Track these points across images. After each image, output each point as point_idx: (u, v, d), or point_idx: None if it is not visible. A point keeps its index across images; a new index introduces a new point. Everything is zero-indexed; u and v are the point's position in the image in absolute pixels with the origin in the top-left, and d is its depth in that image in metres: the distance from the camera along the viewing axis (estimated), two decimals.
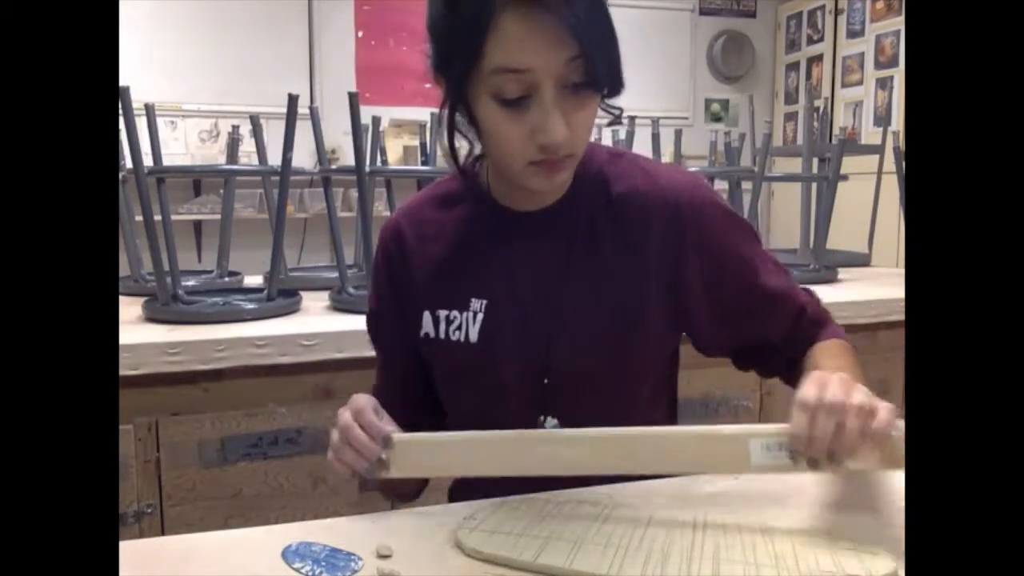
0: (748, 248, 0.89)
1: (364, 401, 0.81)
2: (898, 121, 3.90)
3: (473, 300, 0.88)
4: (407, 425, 0.93)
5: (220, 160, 3.71)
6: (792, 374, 0.90)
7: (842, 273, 2.24)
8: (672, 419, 1.02)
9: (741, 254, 0.89)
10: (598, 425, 0.87)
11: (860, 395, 0.69)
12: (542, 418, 0.88)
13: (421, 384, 0.96)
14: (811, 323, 0.93)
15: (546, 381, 0.87)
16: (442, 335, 0.89)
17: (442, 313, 0.89)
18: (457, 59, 0.74)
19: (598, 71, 0.73)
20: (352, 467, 0.79)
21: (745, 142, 2.57)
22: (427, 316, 0.90)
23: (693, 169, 2.22)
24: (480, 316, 0.87)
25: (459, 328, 0.88)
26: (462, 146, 0.84)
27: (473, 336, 0.87)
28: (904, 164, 2.43)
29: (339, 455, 0.79)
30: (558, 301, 0.86)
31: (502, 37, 0.71)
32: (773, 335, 0.92)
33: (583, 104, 0.76)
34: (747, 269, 0.89)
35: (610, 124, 0.86)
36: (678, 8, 4.96)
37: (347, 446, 0.79)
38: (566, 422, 0.87)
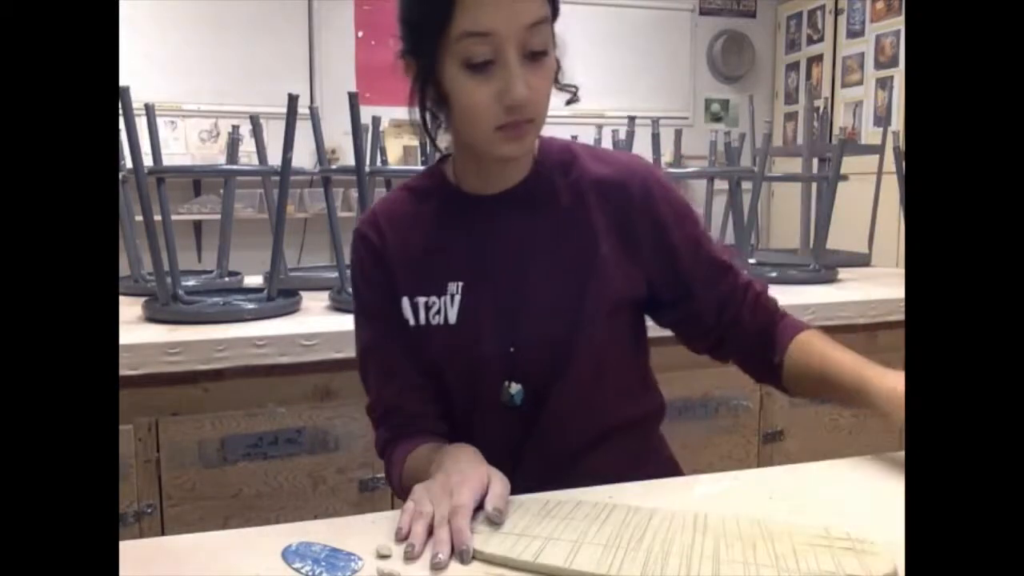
0: (694, 226, 0.95)
1: (467, 499, 0.73)
2: (898, 121, 3.90)
3: (449, 284, 0.92)
4: (429, 416, 0.95)
5: (220, 160, 3.70)
6: (767, 362, 0.95)
7: (842, 273, 2.24)
8: (653, 411, 1.02)
9: (687, 224, 0.94)
10: (563, 393, 0.91)
11: None
12: (507, 383, 0.91)
13: (423, 373, 0.96)
14: (760, 300, 0.97)
15: (512, 349, 0.91)
16: (422, 321, 0.93)
17: (420, 300, 0.93)
18: (428, 31, 0.81)
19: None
20: (414, 542, 0.71)
21: (745, 142, 2.57)
22: (406, 303, 0.93)
23: (693, 169, 2.22)
24: (457, 298, 0.91)
25: (439, 312, 0.92)
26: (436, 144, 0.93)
27: (452, 318, 0.91)
28: (904, 164, 2.43)
29: (413, 523, 0.72)
30: (524, 273, 0.91)
31: (470, 3, 0.79)
32: (725, 305, 0.95)
33: (541, 70, 0.83)
34: (693, 237, 0.94)
35: (568, 103, 0.91)
36: (678, 8, 4.96)
37: (423, 522, 0.72)
38: (530, 388, 0.91)
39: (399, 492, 0.92)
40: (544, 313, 0.91)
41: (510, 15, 0.79)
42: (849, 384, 0.87)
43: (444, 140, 0.92)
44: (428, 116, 0.88)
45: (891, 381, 0.82)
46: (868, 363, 0.88)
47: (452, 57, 0.81)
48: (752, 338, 0.96)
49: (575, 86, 0.90)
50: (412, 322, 0.93)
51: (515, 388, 0.91)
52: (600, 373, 0.93)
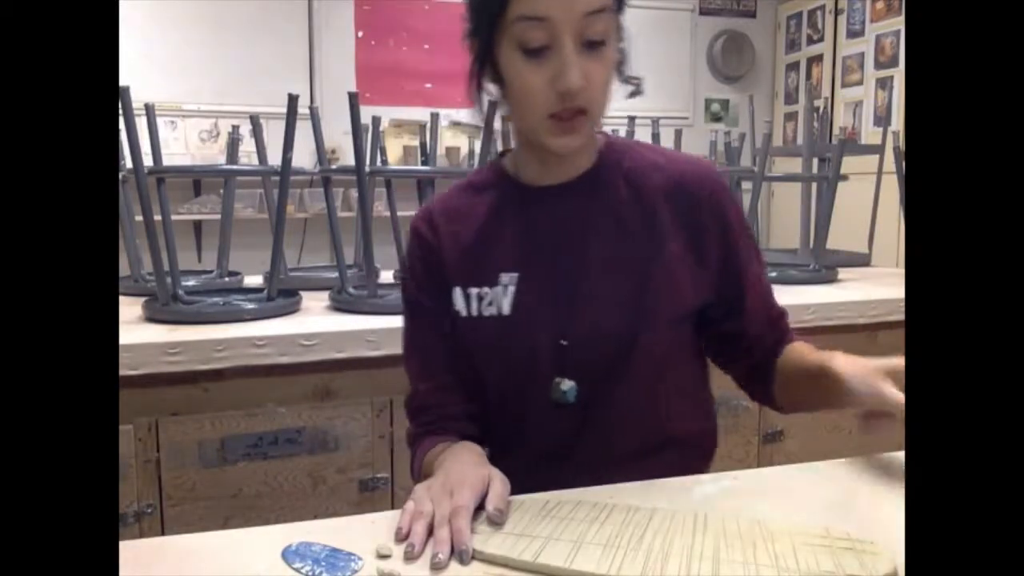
0: (751, 242, 0.95)
1: (467, 499, 0.73)
2: (898, 121, 3.90)
3: (503, 275, 0.91)
4: (459, 412, 0.95)
5: (220, 160, 3.70)
6: (759, 375, 0.97)
7: (842, 273, 2.24)
8: (708, 430, 1.01)
9: (748, 235, 0.95)
10: (619, 395, 0.90)
11: None
12: (558, 380, 0.90)
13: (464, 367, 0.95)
14: (783, 330, 0.98)
15: (563, 343, 0.89)
16: (475, 312, 0.92)
17: (473, 291, 0.92)
18: (486, 13, 0.82)
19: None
20: (414, 542, 0.70)
21: (745, 142, 2.57)
22: (458, 293, 0.92)
23: None
24: (511, 289, 0.90)
25: (491, 303, 0.91)
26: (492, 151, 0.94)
27: (506, 309, 0.90)
28: (904, 164, 2.43)
29: (413, 523, 0.72)
30: (581, 266, 0.90)
31: None
32: (762, 326, 0.96)
33: (599, 60, 0.82)
34: (752, 248, 0.95)
35: (631, 96, 0.92)
36: (678, 8, 4.96)
37: (423, 522, 0.71)
38: (584, 385, 0.90)
39: None
40: (600, 308, 0.89)
41: (566, 2, 0.78)
42: (814, 365, 0.87)
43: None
44: (484, 99, 0.89)
45: (853, 357, 0.83)
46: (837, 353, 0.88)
47: (509, 40, 0.81)
48: (757, 366, 0.97)
49: (639, 78, 0.90)
50: (464, 313, 0.92)
51: (567, 385, 0.90)
52: (661, 377, 0.91)
